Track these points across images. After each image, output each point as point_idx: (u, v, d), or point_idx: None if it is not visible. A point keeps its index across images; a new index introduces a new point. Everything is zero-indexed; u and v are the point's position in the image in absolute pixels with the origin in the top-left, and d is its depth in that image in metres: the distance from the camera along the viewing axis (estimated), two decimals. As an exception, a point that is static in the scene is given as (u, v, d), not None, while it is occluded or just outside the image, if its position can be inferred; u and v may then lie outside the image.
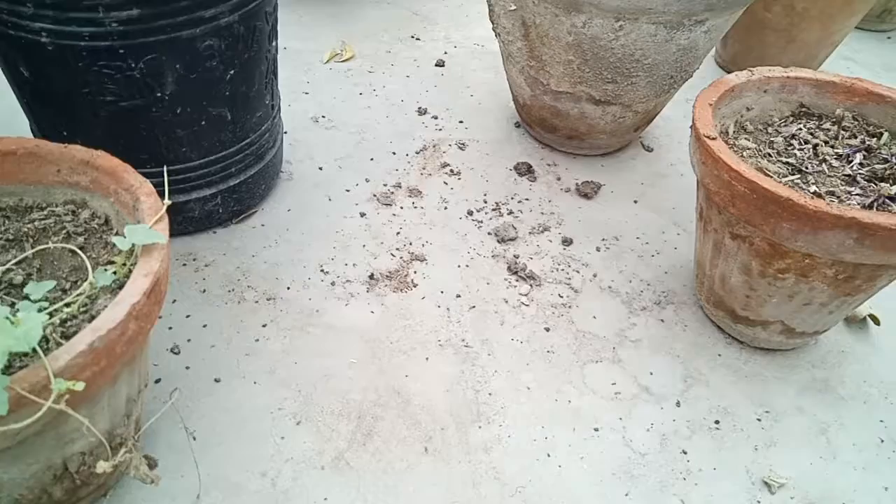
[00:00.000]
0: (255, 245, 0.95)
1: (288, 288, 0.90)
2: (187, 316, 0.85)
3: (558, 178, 1.15)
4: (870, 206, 0.76)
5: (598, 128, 1.13)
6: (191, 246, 0.94)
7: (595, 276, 0.98)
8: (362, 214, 1.03)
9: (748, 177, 0.70)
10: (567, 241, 1.03)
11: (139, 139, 0.82)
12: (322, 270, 0.93)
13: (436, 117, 1.27)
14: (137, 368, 0.58)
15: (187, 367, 0.79)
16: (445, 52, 1.48)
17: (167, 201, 0.57)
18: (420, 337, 0.86)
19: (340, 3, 1.64)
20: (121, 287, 0.52)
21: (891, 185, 0.78)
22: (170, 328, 0.83)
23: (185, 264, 0.92)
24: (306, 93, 1.29)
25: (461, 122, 1.26)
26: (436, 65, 1.43)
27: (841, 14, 1.33)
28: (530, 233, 1.04)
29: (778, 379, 0.87)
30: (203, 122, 0.84)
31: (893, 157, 0.83)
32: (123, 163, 0.62)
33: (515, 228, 1.03)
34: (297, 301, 0.88)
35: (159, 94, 0.78)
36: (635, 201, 1.13)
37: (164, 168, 0.64)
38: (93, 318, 0.53)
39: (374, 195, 1.07)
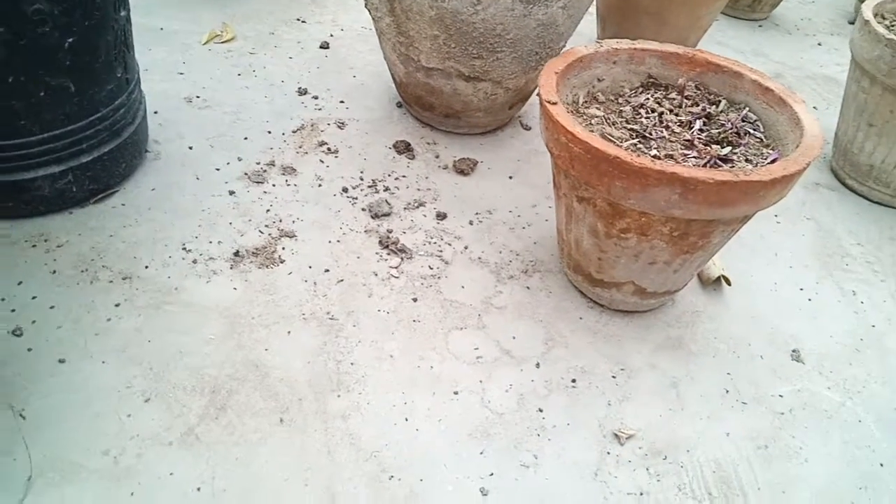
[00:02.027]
0: (114, 224, 0.92)
1: (146, 267, 0.87)
2: (33, 297, 0.81)
3: (437, 156, 1.17)
4: (703, 167, 0.80)
5: (473, 105, 1.15)
6: (42, 226, 0.90)
7: (466, 248, 1.00)
8: (231, 193, 1.01)
9: (582, 138, 0.73)
10: (441, 216, 1.04)
11: (-32, 112, 0.77)
12: (184, 249, 0.90)
13: (316, 97, 1.26)
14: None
15: (29, 349, 0.76)
16: (331, 35, 1.46)
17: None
18: (283, 311, 0.85)
19: (226, -15, 1.60)
20: None
21: (721, 148, 0.83)
22: (13, 311, 0.79)
23: (34, 245, 0.87)
24: (181, 73, 1.25)
25: (342, 102, 1.26)
26: (320, 47, 1.42)
27: (705, 1, 1.40)
28: (405, 208, 1.05)
29: (634, 339, 0.91)
30: (42, 94, 0.80)
31: (729, 122, 0.88)
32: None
33: (390, 204, 1.04)
34: (155, 280, 0.85)
35: (-14, 63, 0.74)
36: (510, 177, 1.15)
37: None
38: None
39: (246, 174, 1.05)
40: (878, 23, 1.18)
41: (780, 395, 0.87)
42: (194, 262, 0.89)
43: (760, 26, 1.89)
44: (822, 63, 1.72)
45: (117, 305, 0.82)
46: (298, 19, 1.50)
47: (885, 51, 1.09)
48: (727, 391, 0.86)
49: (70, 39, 0.79)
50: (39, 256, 0.86)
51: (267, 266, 0.90)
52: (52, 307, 0.80)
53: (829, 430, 0.84)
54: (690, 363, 0.89)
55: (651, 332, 0.92)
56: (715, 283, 1.01)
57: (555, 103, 0.78)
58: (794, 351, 0.93)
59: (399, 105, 1.27)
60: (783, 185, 0.73)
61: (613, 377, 0.85)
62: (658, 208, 0.74)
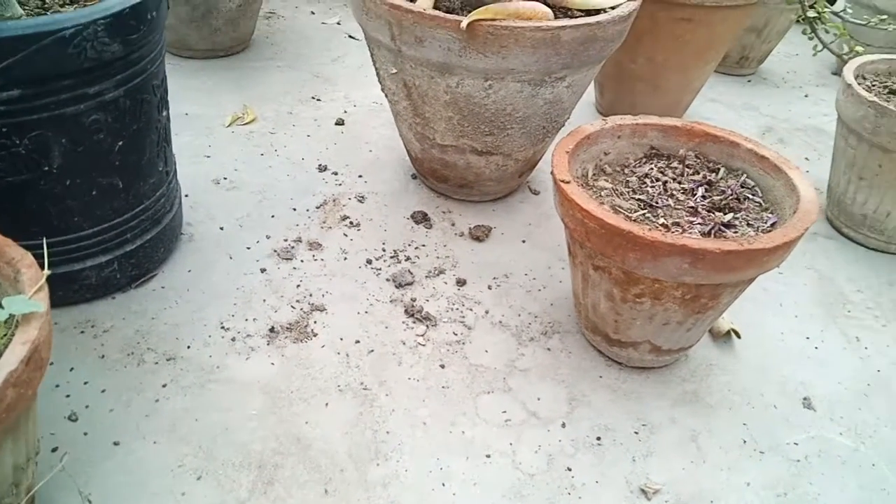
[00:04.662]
0: (155, 307, 0.97)
1: (188, 347, 0.92)
2: (85, 382, 0.86)
3: (452, 224, 1.23)
4: (708, 234, 0.86)
5: (485, 176, 1.22)
6: (89, 313, 0.95)
7: (487, 312, 1.05)
8: (262, 270, 1.07)
9: (596, 214, 0.79)
10: (461, 282, 1.10)
11: (28, 212, 0.84)
12: (222, 327, 0.96)
13: (336, 173, 1.33)
14: (23, 436, 0.60)
15: (85, 433, 0.80)
16: (345, 112, 1.55)
17: (47, 271, 0.60)
18: (320, 384, 0.90)
19: (243, 68, 1.71)
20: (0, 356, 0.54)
21: (724, 214, 0.89)
22: (67, 396, 0.84)
23: (82, 332, 0.93)
24: (208, 156, 1.33)
25: (360, 176, 1.33)
26: (336, 123, 1.50)
27: (695, 65, 1.50)
28: (426, 276, 1.10)
29: (653, 394, 0.95)
30: (94, 192, 0.87)
31: (729, 189, 0.95)
32: (5, 238, 0.64)
33: (412, 274, 1.10)
34: (198, 359, 0.90)
35: (46, 169, 0.81)
36: (523, 241, 1.21)
37: (44, 238, 0.67)
38: (-27, 389, 0.54)
39: (275, 251, 1.11)
40: (860, 84, 1.26)
41: (795, 443, 0.91)
42: (233, 339, 0.94)
43: (749, 81, 1.99)
44: (810, 115, 1.81)
45: (164, 386, 0.87)
46: (313, 97, 1.59)
47: (869, 111, 1.17)
48: (745, 441, 0.90)
49: (120, 143, 0.86)
50: (88, 342, 0.91)
51: (301, 340, 0.95)
52: (103, 391, 0.85)
53: (844, 475, 0.87)
54: (708, 416, 0.93)
55: (668, 387, 0.97)
56: (725, 336, 1.06)
57: (568, 182, 0.85)
58: (805, 399, 0.97)
59: (414, 177, 1.34)
60: (784, 251, 0.79)
61: (636, 433, 0.89)
62: (670, 276, 0.80)
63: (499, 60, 0.99)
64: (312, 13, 2.09)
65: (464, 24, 0.94)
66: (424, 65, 1.04)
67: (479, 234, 1.21)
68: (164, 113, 0.97)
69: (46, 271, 0.61)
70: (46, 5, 0.92)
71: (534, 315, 1.06)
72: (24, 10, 0.89)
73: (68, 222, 0.87)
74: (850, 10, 1.64)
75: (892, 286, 1.21)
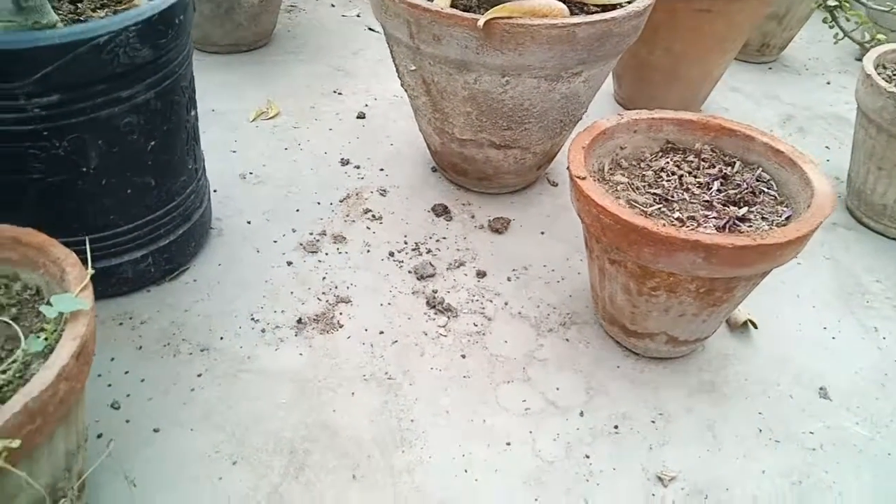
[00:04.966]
0: (188, 300, 1.02)
1: (221, 338, 0.96)
2: (126, 372, 0.90)
3: (472, 217, 1.26)
4: (723, 228, 0.88)
5: (503, 169, 1.24)
6: (127, 306, 1.00)
7: (506, 304, 1.08)
8: (289, 263, 1.10)
9: (611, 210, 0.81)
10: (481, 274, 1.13)
11: (68, 210, 0.88)
12: (252, 319, 1.00)
13: (358, 167, 1.36)
14: (74, 424, 0.64)
15: (127, 421, 0.85)
16: (366, 105, 1.58)
17: (90, 271, 0.64)
18: (346, 373, 0.93)
19: (265, 62, 1.74)
20: (52, 351, 0.58)
21: (739, 209, 0.91)
22: (109, 385, 0.89)
23: (121, 323, 0.97)
24: (234, 151, 1.37)
25: (382, 169, 1.36)
26: (357, 117, 1.53)
27: (713, 54, 1.50)
28: (447, 269, 1.13)
29: (670, 384, 0.97)
30: (129, 191, 0.91)
31: (745, 183, 0.96)
32: (50, 238, 0.68)
33: (433, 266, 1.12)
34: (230, 350, 0.95)
35: (84, 169, 0.85)
36: (542, 233, 1.24)
37: (87, 239, 0.70)
38: (27, 382, 0.59)
39: (301, 244, 1.15)
40: (880, 74, 1.26)
41: (811, 432, 0.93)
42: (262, 331, 0.98)
43: (770, 68, 1.98)
44: (831, 102, 1.79)
45: (199, 376, 0.91)
46: (335, 91, 1.62)
47: (888, 102, 1.17)
48: (760, 430, 0.92)
49: (152, 143, 0.90)
50: (126, 333, 0.96)
51: (327, 331, 0.99)
52: (142, 380, 0.90)
53: (860, 464, 0.89)
54: (724, 405, 0.95)
55: (685, 377, 0.99)
56: (742, 327, 1.07)
57: (584, 178, 0.87)
58: (821, 388, 0.99)
59: (434, 170, 1.37)
60: (798, 245, 0.81)
61: (653, 422, 0.92)
62: (684, 270, 0.81)
63: (515, 57, 1.01)
64: (332, 6, 2.11)
65: (480, 23, 0.96)
66: (442, 62, 1.06)
67: (499, 227, 1.23)
68: (193, 112, 1.00)
69: (90, 270, 0.64)
70: (79, 10, 0.95)
71: (552, 306, 1.08)
72: (58, 14, 0.93)
73: (105, 220, 0.91)
74: (872, -3, 1.62)
75: (911, 276, 1.22)
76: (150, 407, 0.86)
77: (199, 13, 1.65)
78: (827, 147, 1.59)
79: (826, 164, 1.52)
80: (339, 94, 1.62)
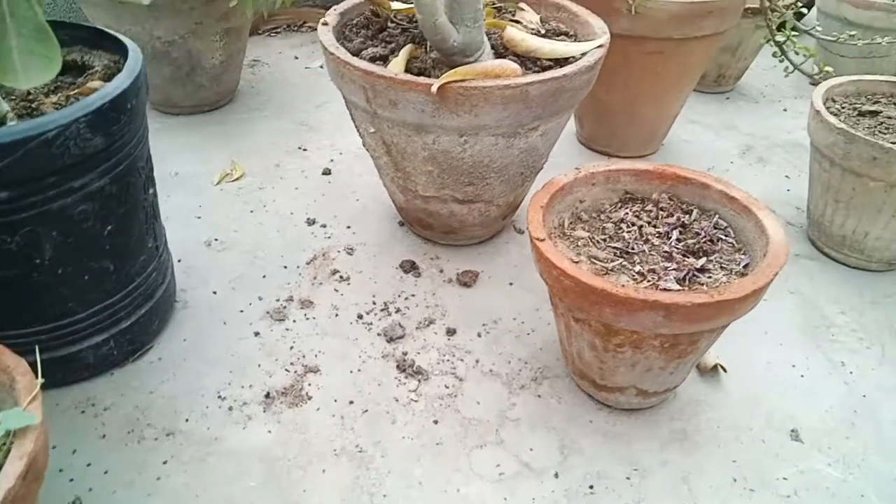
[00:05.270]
0: (153, 381, 1.00)
1: (187, 420, 0.94)
2: (88, 464, 0.88)
3: (441, 271, 1.26)
4: (683, 280, 0.89)
5: (469, 222, 1.25)
6: (89, 391, 0.98)
7: (477, 361, 1.07)
8: (256, 334, 1.09)
9: (571, 273, 0.82)
10: (451, 332, 1.12)
11: (23, 303, 0.87)
12: (219, 397, 0.98)
13: (324, 226, 1.36)
14: (28, 539, 0.62)
15: (89, 517, 0.82)
16: (332, 160, 1.58)
17: (40, 380, 0.63)
18: (316, 449, 0.92)
19: (229, 122, 1.74)
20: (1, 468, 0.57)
21: (698, 259, 0.92)
22: (71, 480, 0.86)
23: (83, 412, 0.95)
24: (198, 217, 1.36)
25: (349, 227, 1.36)
26: (323, 173, 1.53)
27: (669, 93, 1.53)
28: (417, 328, 1.13)
29: (643, 436, 0.97)
30: (86, 277, 0.90)
31: (703, 231, 0.97)
32: (0, 345, 0.67)
33: (402, 327, 1.12)
34: (196, 432, 0.93)
35: (38, 261, 0.84)
36: (511, 283, 1.24)
37: (37, 351, 0.69)
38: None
39: (268, 312, 1.14)
40: (829, 108, 1.29)
41: (784, 478, 0.93)
42: (230, 409, 0.96)
43: (728, 98, 2.02)
44: (789, 129, 1.84)
45: (165, 463, 0.89)
46: (300, 148, 1.63)
47: (838, 138, 1.20)
48: (735, 479, 0.92)
49: (109, 227, 0.89)
50: (89, 422, 0.94)
51: (296, 405, 0.98)
52: (105, 472, 0.87)
53: (835, 509, 0.89)
54: (698, 455, 0.95)
55: (658, 428, 0.99)
56: (712, 371, 1.08)
57: (543, 240, 0.87)
58: (792, 431, 0.99)
59: (401, 224, 1.37)
60: (755, 297, 0.82)
61: (628, 478, 0.91)
62: (646, 328, 0.82)
63: (471, 118, 1.02)
64: (296, 58, 2.13)
65: (434, 88, 0.97)
66: (400, 125, 1.07)
67: (467, 280, 1.23)
68: (151, 191, 1.00)
69: (40, 380, 0.63)
70: (31, 96, 0.95)
71: (523, 361, 1.08)
72: (10, 101, 0.93)
73: (62, 308, 0.90)
74: (819, 28, 1.67)
75: (874, 305, 1.23)
76: (113, 501, 0.84)
77: (159, 76, 1.66)
78: (787, 176, 1.63)
79: (786, 195, 1.55)
80: (304, 150, 1.62)
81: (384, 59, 1.14)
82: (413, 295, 1.20)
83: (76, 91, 0.95)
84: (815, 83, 1.42)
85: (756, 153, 1.72)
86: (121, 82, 0.86)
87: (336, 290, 1.20)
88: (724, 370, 1.07)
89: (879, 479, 0.93)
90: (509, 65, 1.05)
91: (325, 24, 1.21)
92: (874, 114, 1.30)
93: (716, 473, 0.93)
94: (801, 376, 1.08)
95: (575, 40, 1.26)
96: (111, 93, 0.84)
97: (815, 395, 1.05)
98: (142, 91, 0.93)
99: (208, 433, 0.93)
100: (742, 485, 0.92)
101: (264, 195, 1.44)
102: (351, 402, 0.99)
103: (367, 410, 0.98)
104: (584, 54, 1.12)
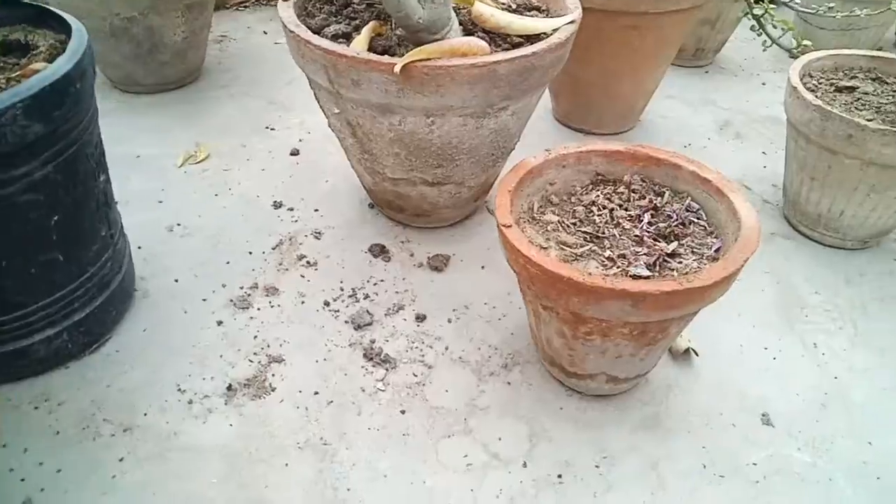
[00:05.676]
0: (110, 374, 0.97)
1: (145, 414, 0.92)
2: (40, 463, 0.85)
3: (411, 255, 1.23)
4: (653, 265, 0.87)
5: (440, 204, 1.22)
6: (43, 386, 0.95)
7: (447, 348, 1.05)
8: (219, 323, 1.06)
9: (537, 261, 0.79)
10: (420, 318, 1.10)
11: (-34, 297, 0.83)
12: (179, 390, 0.95)
13: (291, 209, 1.32)
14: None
15: (42, 518, 0.80)
16: (300, 140, 1.54)
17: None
18: (279, 442, 0.90)
19: (195, 100, 1.68)
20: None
21: (668, 243, 0.89)
22: (22, 480, 0.83)
23: (37, 407, 0.92)
24: (160, 201, 1.32)
25: (316, 210, 1.32)
26: (291, 154, 1.49)
27: (645, 68, 1.49)
28: (386, 314, 1.10)
29: (613, 422, 0.96)
30: (33, 270, 0.86)
31: (675, 214, 0.95)
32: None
33: (371, 314, 1.09)
34: (154, 427, 0.90)
35: (-21, 255, 0.80)
36: (483, 267, 1.21)
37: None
38: None
39: (231, 300, 1.10)
40: (806, 84, 1.27)
41: (754, 463, 0.92)
42: (190, 402, 0.94)
43: (707, 72, 1.99)
44: (767, 104, 1.81)
45: (121, 460, 0.86)
46: (268, 127, 1.58)
47: (815, 115, 1.17)
48: (704, 466, 0.91)
49: (56, 217, 0.85)
50: (43, 418, 0.90)
51: (259, 396, 0.95)
52: (58, 471, 0.85)
53: (803, 493, 0.89)
54: (668, 441, 0.94)
55: (628, 413, 0.97)
56: (684, 354, 1.06)
57: (510, 226, 0.85)
58: (763, 415, 0.99)
59: (371, 206, 1.34)
60: (725, 284, 0.80)
61: (597, 466, 0.90)
62: (614, 316, 0.80)
63: (438, 99, 0.98)
64: (265, 33, 2.06)
65: (397, 69, 0.93)
66: (365, 105, 1.03)
67: (438, 265, 1.20)
68: (102, 177, 0.95)
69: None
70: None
71: (494, 347, 1.06)
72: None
73: (10, 301, 0.86)
74: (798, 0, 1.64)
75: (848, 284, 1.23)
76: (66, 501, 0.81)
77: (119, 54, 1.59)
78: (764, 153, 1.61)
79: (763, 171, 1.53)
80: (273, 129, 1.57)
81: (347, 37, 1.09)
82: (382, 280, 1.17)
83: (18, 73, 0.90)
84: (794, 56, 1.39)
85: (734, 129, 1.69)
86: (61, 65, 0.81)
87: (302, 276, 1.16)
88: (696, 354, 1.06)
89: (848, 462, 0.92)
90: (477, 42, 1.01)
91: (287, -1, 1.15)
92: (851, 90, 1.28)
93: (685, 460, 0.92)
94: (774, 359, 1.07)
95: (547, 15, 1.21)
96: (50, 77, 0.79)
97: (787, 377, 1.04)
98: (87, 73, 0.88)
99: (167, 427, 0.90)
100: (712, 470, 0.91)
101: (230, 177, 1.40)
102: (316, 393, 0.96)
103: (332, 401, 0.95)
104: (555, 30, 1.08)
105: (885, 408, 1.00)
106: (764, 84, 1.93)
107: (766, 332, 1.12)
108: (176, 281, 1.13)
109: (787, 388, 1.02)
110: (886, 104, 1.23)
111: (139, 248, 1.18)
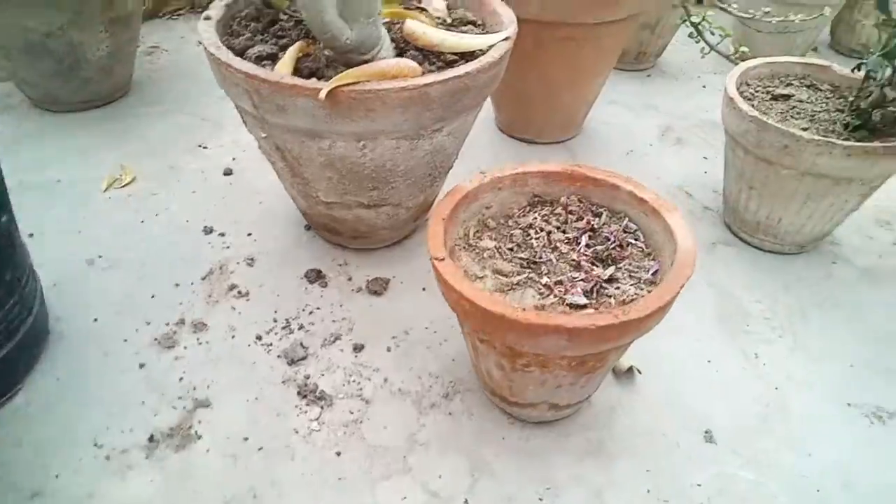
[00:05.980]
0: (19, 430, 0.90)
1: (57, 476, 0.85)
2: (-61, 537, 0.78)
3: (349, 279, 1.18)
4: (590, 292, 0.84)
5: (378, 226, 1.18)
6: (-56, 446, 0.87)
7: (386, 380, 1.01)
8: (141, 365, 1.00)
9: (469, 296, 0.76)
10: (358, 348, 1.06)
11: None
12: (96, 445, 0.89)
13: (223, 234, 1.26)
14: None
15: None
16: (234, 158, 1.47)
17: None
18: (205, 497, 0.84)
19: (122, 117, 1.60)
20: None
21: (605, 269, 0.87)
22: (-82, 555, 0.76)
23: (-64, 472, 0.85)
24: (80, 231, 1.24)
25: (250, 234, 1.27)
26: (224, 173, 1.42)
27: (586, 79, 1.48)
28: (322, 346, 1.06)
29: (557, 450, 0.94)
30: (-77, 326, 0.79)
31: (612, 235, 0.93)
32: None
33: (305, 347, 1.05)
34: (68, 490, 0.84)
35: None
36: (423, 289, 1.18)
37: None
38: None
39: (156, 339, 1.04)
40: (742, 93, 1.27)
41: (699, 484, 0.91)
42: (107, 458, 0.88)
43: (649, 76, 2.00)
44: (707, 108, 1.82)
45: (31, 526, 0.80)
46: (200, 145, 1.51)
47: (751, 125, 1.17)
48: (649, 490, 0.90)
49: (-55, 267, 0.78)
50: (-57, 483, 0.83)
51: (183, 447, 0.89)
52: (-39, 543, 0.78)
53: (748, 514, 0.88)
54: (611, 467, 0.92)
55: (571, 440, 0.95)
56: (627, 373, 1.05)
57: (442, 259, 0.81)
58: (706, 432, 0.98)
59: (308, 227, 1.29)
60: (661, 314, 0.78)
61: (540, 499, 0.88)
62: (551, 351, 0.77)
63: (368, 123, 0.94)
64: (199, 43, 1.98)
65: (322, 95, 0.88)
66: (292, 131, 0.98)
67: (377, 288, 1.16)
68: (4, 217, 0.88)
69: None
70: None
71: (434, 375, 1.02)
72: None
73: None
74: (735, 5, 1.65)
75: (787, 290, 1.23)
76: (-32, 578, 0.75)
77: (37, 72, 1.50)
78: (705, 157, 1.61)
79: (704, 177, 1.54)
80: (205, 148, 1.50)
81: (273, 58, 1.04)
82: (318, 308, 1.12)
83: None
84: (732, 62, 1.39)
85: (675, 134, 1.69)
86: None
87: (233, 308, 1.11)
88: (640, 372, 1.05)
89: (790, 477, 0.92)
90: (407, 63, 0.97)
91: (208, 18, 1.10)
92: (786, 97, 1.29)
93: (630, 485, 0.90)
94: (717, 372, 1.07)
95: (483, 29, 1.18)
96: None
97: (729, 392, 1.04)
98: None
99: (81, 490, 0.84)
100: (656, 495, 0.89)
101: (157, 202, 1.33)
102: (245, 439, 0.91)
103: (262, 447, 0.90)
104: (491, 47, 1.05)
105: (823, 417, 1.00)
106: (704, 87, 1.95)
107: (709, 346, 1.11)
108: (95, 320, 1.06)
109: (729, 403, 1.02)
110: (820, 112, 1.24)
111: (54, 284, 1.10)
